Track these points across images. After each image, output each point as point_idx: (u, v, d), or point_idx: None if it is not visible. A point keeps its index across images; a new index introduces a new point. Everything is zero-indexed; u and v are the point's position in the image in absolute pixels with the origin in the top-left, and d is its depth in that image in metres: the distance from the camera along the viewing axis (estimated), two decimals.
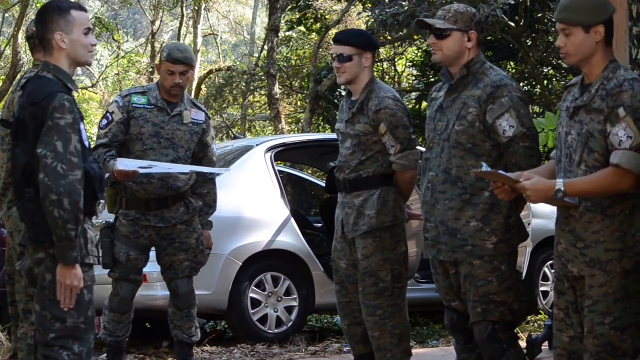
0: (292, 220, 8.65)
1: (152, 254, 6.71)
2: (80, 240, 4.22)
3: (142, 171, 6.24)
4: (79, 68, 4.62)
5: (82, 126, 4.32)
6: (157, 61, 24.39)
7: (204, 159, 6.75)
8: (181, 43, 7.71)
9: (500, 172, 4.49)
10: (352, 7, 18.00)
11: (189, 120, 6.65)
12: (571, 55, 4.35)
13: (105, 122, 6.58)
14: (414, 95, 19.24)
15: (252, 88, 23.92)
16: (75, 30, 4.33)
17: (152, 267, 6.84)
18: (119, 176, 6.23)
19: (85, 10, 4.42)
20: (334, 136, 7.74)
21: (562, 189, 4.24)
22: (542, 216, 8.46)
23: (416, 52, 19.14)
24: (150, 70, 24.30)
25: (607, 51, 4.36)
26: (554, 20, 4.45)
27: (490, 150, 5.05)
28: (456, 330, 5.24)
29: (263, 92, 23.17)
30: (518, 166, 4.95)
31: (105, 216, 7.24)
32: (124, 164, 6.21)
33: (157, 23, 25.56)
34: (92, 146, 5.78)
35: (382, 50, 18.77)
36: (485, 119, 5.03)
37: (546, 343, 7.21)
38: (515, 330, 5.21)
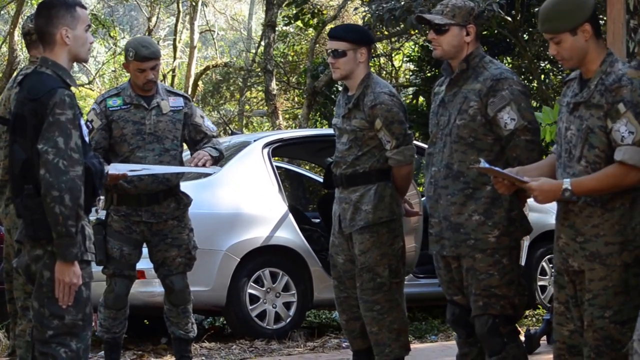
0: (290, 215, 8.63)
1: (146, 250, 6.69)
2: (78, 236, 4.21)
3: (131, 173, 6.23)
4: (75, 65, 4.61)
5: (82, 121, 4.32)
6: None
7: (205, 140, 6.66)
8: (144, 37, 7.56)
9: (497, 168, 4.49)
10: (349, 2, 17.99)
11: (168, 110, 6.60)
12: (567, 60, 4.36)
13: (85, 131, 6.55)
14: (411, 90, 19.24)
15: (249, 84, 23.92)
16: (79, 26, 4.34)
17: (150, 263, 6.82)
18: (110, 179, 6.21)
19: (85, 8, 4.43)
20: (331, 131, 7.71)
21: (570, 187, 4.23)
22: (539, 210, 8.44)
23: (413, 47, 19.15)
24: None
25: (599, 44, 4.35)
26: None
27: (492, 144, 5.04)
28: (458, 324, 5.23)
29: (260, 88, 23.17)
30: (519, 160, 4.93)
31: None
32: (116, 168, 6.20)
33: (154, 19, 25.53)
34: None
35: (378, 45, 18.77)
36: (487, 112, 5.02)
37: (544, 337, 7.22)
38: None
